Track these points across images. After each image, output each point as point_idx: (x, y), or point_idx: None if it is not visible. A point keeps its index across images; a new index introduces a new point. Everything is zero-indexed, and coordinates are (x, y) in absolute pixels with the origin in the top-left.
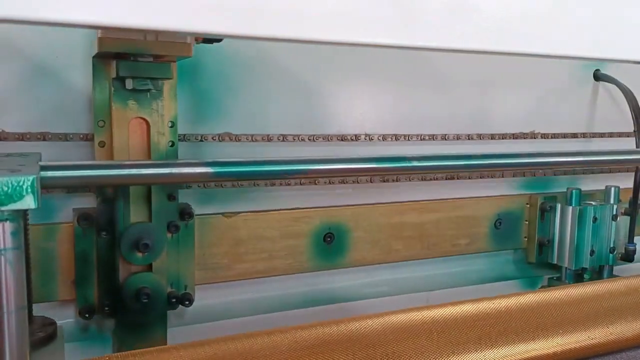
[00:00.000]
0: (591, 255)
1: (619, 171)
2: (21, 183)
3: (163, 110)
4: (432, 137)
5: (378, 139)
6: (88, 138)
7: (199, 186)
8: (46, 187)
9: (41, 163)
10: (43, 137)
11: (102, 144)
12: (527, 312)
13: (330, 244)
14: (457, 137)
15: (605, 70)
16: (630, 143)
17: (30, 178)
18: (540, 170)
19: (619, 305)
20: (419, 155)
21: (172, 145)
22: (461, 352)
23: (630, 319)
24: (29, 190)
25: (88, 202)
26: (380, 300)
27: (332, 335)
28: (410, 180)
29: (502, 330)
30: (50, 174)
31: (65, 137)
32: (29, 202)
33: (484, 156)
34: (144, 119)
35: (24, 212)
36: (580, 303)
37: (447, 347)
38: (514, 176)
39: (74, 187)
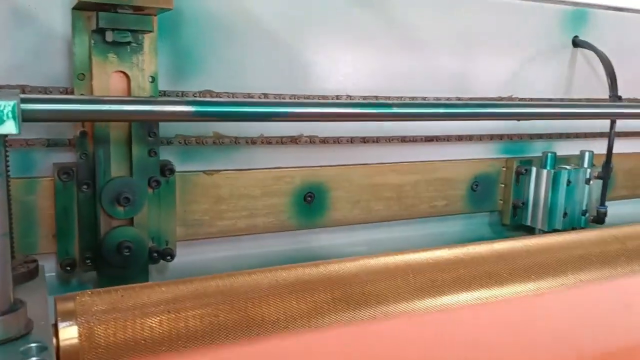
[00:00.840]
0: (564, 217)
1: (594, 137)
2: (2, 108)
3: (143, 65)
4: (413, 99)
5: (359, 99)
6: (68, 92)
7: (179, 142)
8: (27, 119)
9: (22, 95)
10: (22, 89)
11: None
12: (501, 258)
13: (310, 204)
14: (437, 99)
15: (584, 37)
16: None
17: (11, 103)
18: (519, 121)
19: (589, 253)
20: (399, 102)
21: None
22: (436, 293)
23: (599, 266)
24: (10, 115)
25: (68, 157)
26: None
27: (312, 275)
28: (390, 142)
29: (475, 274)
30: (31, 106)
31: (44, 91)
32: (10, 127)
33: (464, 105)
34: (124, 73)
35: (4, 141)
36: (552, 251)
37: (422, 287)
38: (491, 140)
39: (54, 121)
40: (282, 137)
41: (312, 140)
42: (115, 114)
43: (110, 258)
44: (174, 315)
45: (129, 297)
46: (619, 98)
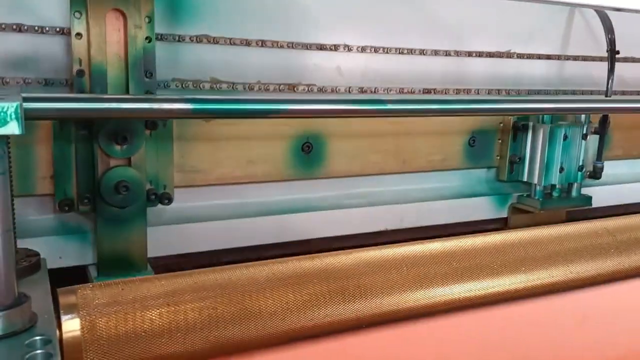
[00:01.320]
0: (560, 172)
1: (591, 93)
2: (5, 109)
3: (140, 4)
4: (411, 52)
5: (357, 49)
6: (65, 32)
7: (176, 86)
8: (30, 117)
9: (24, 95)
10: (19, 27)
11: (78, 36)
12: (492, 251)
13: (308, 154)
14: (435, 53)
15: None
16: (602, 67)
17: (14, 105)
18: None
19: (579, 247)
20: (394, 98)
21: (149, 41)
22: (429, 286)
23: (588, 258)
24: (13, 116)
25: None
26: (357, 211)
27: (308, 268)
28: (387, 94)
29: (467, 267)
30: (33, 105)
31: (41, 30)
32: (13, 128)
33: (458, 101)
34: (120, 12)
35: (6, 141)
36: (543, 244)
37: (415, 280)
38: (488, 93)
39: (55, 119)
40: (279, 84)
41: (309, 89)
42: (115, 112)
43: (108, 198)
44: (173, 308)
45: (129, 290)
46: (617, 52)
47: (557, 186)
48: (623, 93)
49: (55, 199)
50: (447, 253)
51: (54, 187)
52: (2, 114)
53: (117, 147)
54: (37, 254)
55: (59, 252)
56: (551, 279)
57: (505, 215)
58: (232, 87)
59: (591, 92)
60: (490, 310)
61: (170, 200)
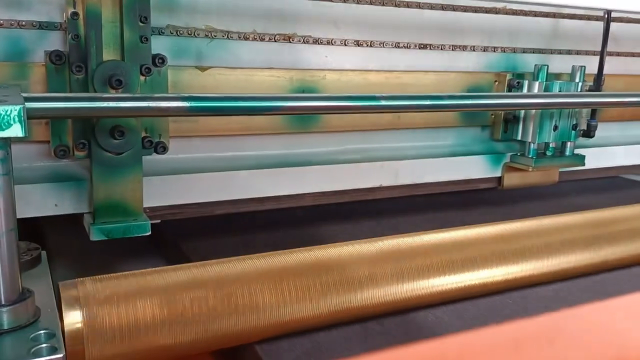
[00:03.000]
0: (554, 130)
1: (587, 54)
2: (9, 112)
3: None
4: (407, 5)
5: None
6: None
7: (171, 32)
8: (31, 117)
9: (24, 95)
10: None
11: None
12: (484, 242)
13: None
14: (431, 7)
15: None
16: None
17: (17, 108)
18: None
19: (573, 238)
20: (387, 95)
21: None
22: (420, 277)
23: (583, 248)
24: (16, 119)
25: (60, 41)
26: (355, 166)
27: (302, 261)
28: (382, 47)
29: (459, 258)
30: (34, 105)
31: None
32: (16, 130)
33: (451, 97)
34: None
35: (9, 143)
36: (537, 234)
37: (407, 272)
38: (484, 51)
39: (56, 118)
40: (275, 35)
41: (305, 40)
42: (113, 111)
43: (103, 143)
44: (172, 300)
45: (129, 283)
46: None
47: (551, 144)
48: (618, 55)
49: (51, 145)
50: (439, 244)
51: (49, 133)
52: (5, 117)
53: (113, 91)
54: (37, 248)
55: (54, 200)
56: (542, 269)
57: (500, 174)
58: (227, 36)
59: (586, 52)
60: (482, 300)
61: (165, 149)
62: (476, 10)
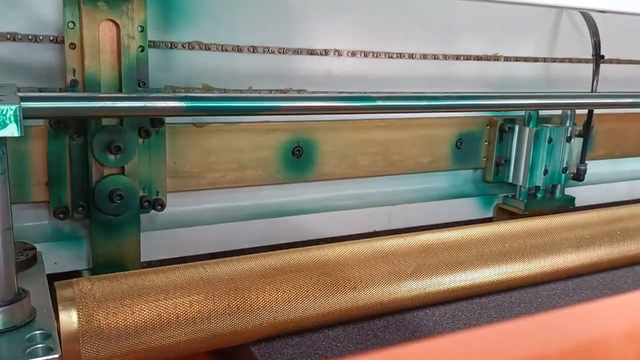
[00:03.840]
0: (545, 174)
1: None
2: (4, 112)
3: (133, 14)
4: (400, 55)
5: (347, 54)
6: (58, 40)
7: (169, 92)
8: (27, 117)
9: (20, 94)
10: (13, 37)
11: (72, 46)
12: (482, 242)
13: (299, 158)
14: (424, 57)
15: None
16: (587, 68)
17: (13, 107)
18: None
19: (559, 239)
20: (383, 95)
21: (142, 50)
22: (418, 277)
23: (572, 251)
24: (12, 119)
25: None
26: (348, 213)
27: (298, 261)
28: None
29: (457, 258)
30: (30, 104)
31: (35, 39)
32: (12, 130)
33: (445, 97)
34: (113, 22)
35: (5, 142)
36: (533, 235)
37: (405, 272)
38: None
39: (52, 117)
40: (271, 90)
41: (300, 93)
42: (109, 110)
43: (102, 206)
44: (168, 300)
45: (125, 283)
46: (602, 57)
47: (541, 187)
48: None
49: (51, 206)
50: (437, 245)
51: (48, 194)
52: (1, 117)
53: (111, 157)
54: (33, 248)
55: (54, 258)
56: (541, 268)
57: (491, 216)
58: (224, 91)
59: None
60: (481, 300)
61: (163, 206)
62: (467, 57)
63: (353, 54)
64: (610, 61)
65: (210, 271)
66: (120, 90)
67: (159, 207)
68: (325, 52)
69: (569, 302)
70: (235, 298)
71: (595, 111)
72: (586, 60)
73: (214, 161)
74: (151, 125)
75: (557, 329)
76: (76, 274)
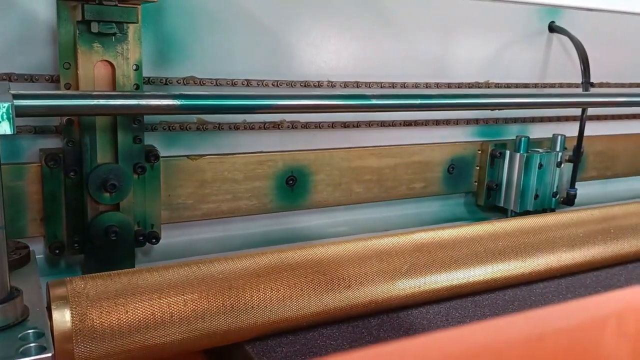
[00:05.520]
0: (535, 199)
1: (567, 120)
2: None
3: (128, 54)
4: (392, 85)
5: (340, 85)
6: (54, 80)
7: (164, 129)
8: (20, 115)
9: (12, 92)
10: (9, 77)
11: (67, 86)
12: (475, 241)
13: (292, 187)
14: (416, 85)
15: (559, 22)
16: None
17: (5, 105)
18: (493, 111)
19: (553, 237)
20: (378, 93)
21: (137, 88)
22: (413, 276)
23: (566, 249)
24: (5, 116)
25: (55, 143)
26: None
27: (293, 260)
28: (370, 127)
29: (451, 256)
30: (23, 102)
31: (30, 79)
32: (5, 128)
33: (440, 96)
34: (109, 62)
35: None
36: (524, 234)
37: (400, 270)
38: (467, 124)
39: (44, 115)
40: (264, 123)
41: (294, 126)
42: (103, 108)
43: (97, 242)
44: (162, 299)
45: (119, 282)
46: (591, 84)
47: (532, 212)
48: (598, 118)
49: (46, 243)
50: (431, 243)
51: (44, 229)
52: None
53: (107, 195)
54: (26, 246)
55: None
56: (535, 266)
57: None
58: (219, 128)
59: (566, 119)
60: (475, 298)
61: (157, 239)
62: (459, 85)
63: (346, 84)
64: (601, 84)
65: (204, 270)
66: (115, 129)
67: (154, 240)
68: (319, 84)
69: (562, 300)
70: (230, 297)
71: (586, 133)
72: (577, 85)
73: (208, 192)
74: (146, 160)
75: (550, 325)
76: None
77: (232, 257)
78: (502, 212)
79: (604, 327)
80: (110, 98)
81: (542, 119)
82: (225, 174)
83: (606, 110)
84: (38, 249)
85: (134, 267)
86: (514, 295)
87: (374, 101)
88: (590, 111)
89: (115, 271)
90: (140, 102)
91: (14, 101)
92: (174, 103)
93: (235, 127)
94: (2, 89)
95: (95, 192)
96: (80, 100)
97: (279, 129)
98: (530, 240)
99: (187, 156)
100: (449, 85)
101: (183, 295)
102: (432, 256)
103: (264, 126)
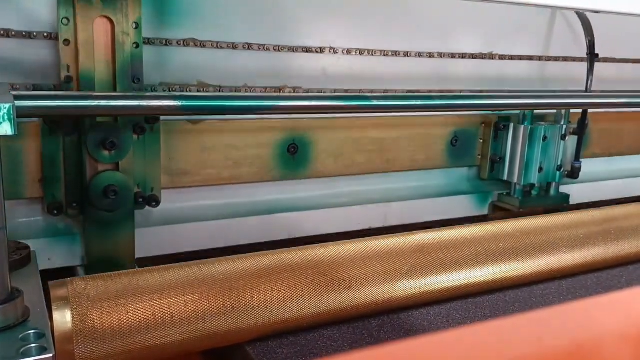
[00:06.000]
0: (539, 172)
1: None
2: None
3: (127, 10)
4: (395, 53)
5: (342, 52)
6: (52, 37)
7: (163, 90)
8: (21, 116)
9: (13, 93)
10: (7, 33)
11: (66, 42)
12: (475, 241)
13: (294, 155)
14: (419, 55)
15: None
16: (581, 67)
17: (7, 106)
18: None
19: (554, 239)
20: (378, 95)
21: (136, 47)
22: (412, 277)
23: (567, 250)
24: (6, 117)
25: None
26: (344, 210)
27: (294, 261)
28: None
29: (451, 257)
30: (24, 103)
31: (29, 35)
32: (6, 129)
33: (441, 97)
34: (108, 18)
35: None
36: (525, 235)
37: (400, 271)
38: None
39: (46, 116)
40: (265, 88)
41: (295, 92)
42: (104, 109)
43: (96, 202)
44: (162, 300)
45: (119, 283)
46: (596, 55)
47: (536, 185)
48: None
49: (45, 203)
50: (432, 244)
51: (42, 190)
52: None
53: (106, 153)
54: (27, 247)
55: (47, 254)
56: (536, 267)
57: (486, 213)
58: (219, 91)
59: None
60: (475, 299)
61: (157, 202)
62: (463, 56)
63: (348, 51)
64: (605, 60)
65: (205, 271)
66: (114, 87)
67: (154, 204)
68: (321, 50)
69: (563, 301)
70: (230, 298)
71: (590, 110)
72: (581, 60)
73: (209, 158)
74: (145, 122)
75: (551, 326)
76: (70, 270)
77: (233, 258)
78: (506, 185)
79: (605, 329)
80: (111, 99)
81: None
82: (226, 140)
83: (612, 85)
84: (36, 210)
85: (134, 230)
86: (515, 297)
87: (375, 102)
88: (595, 85)
89: (116, 272)
90: (141, 103)
91: (15, 102)
92: (175, 104)
93: (236, 90)
94: (3, 89)
95: (95, 150)
96: (81, 102)
97: (281, 93)
98: (531, 241)
99: (188, 120)
100: (453, 56)
101: (184, 296)
102: (432, 257)
103: (265, 91)
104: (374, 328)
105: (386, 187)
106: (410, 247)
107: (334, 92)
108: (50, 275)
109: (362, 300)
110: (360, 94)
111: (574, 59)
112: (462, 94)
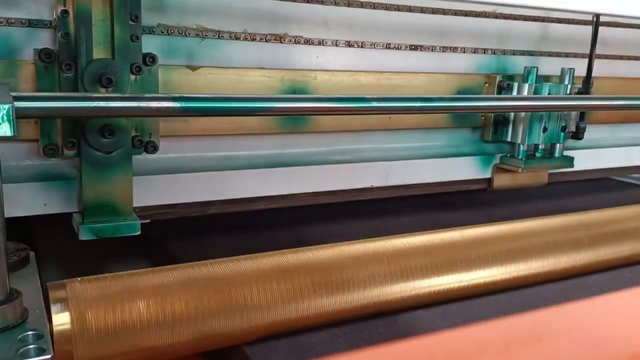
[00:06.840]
0: (544, 132)
1: (575, 56)
2: None
3: None
4: (398, 8)
5: (344, 4)
6: None
7: (161, 31)
8: (20, 116)
9: (13, 94)
10: None
11: None
12: (472, 244)
13: None
14: (422, 10)
15: None
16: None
17: (6, 107)
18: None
19: (555, 240)
20: (378, 96)
21: None
22: (410, 278)
23: (568, 251)
24: (5, 118)
25: (49, 38)
26: (345, 167)
27: (293, 261)
28: (374, 47)
29: (448, 260)
30: (23, 104)
31: None
32: (5, 130)
33: (440, 99)
34: None
35: None
36: (521, 237)
37: (398, 273)
38: (474, 52)
39: (45, 117)
40: (266, 35)
41: (296, 40)
42: (103, 110)
43: (93, 142)
44: (161, 300)
45: (118, 283)
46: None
47: (540, 146)
48: (606, 57)
49: (40, 144)
50: (429, 246)
51: (38, 132)
52: None
53: (102, 90)
54: (25, 248)
55: (43, 199)
56: (529, 270)
57: (489, 176)
58: (218, 36)
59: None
60: (472, 301)
61: (155, 148)
62: (466, 14)
63: (350, 3)
64: (609, 24)
65: (203, 272)
66: (112, 23)
67: (152, 149)
68: (322, 1)
69: (563, 302)
70: (229, 298)
71: (594, 74)
72: (585, 22)
73: None
74: (143, 62)
75: (551, 326)
76: (66, 215)
77: (232, 259)
78: (510, 147)
79: (605, 329)
80: (110, 100)
81: (549, 54)
82: (226, 88)
83: (616, 50)
84: (32, 152)
85: (132, 175)
86: (515, 297)
87: (374, 104)
88: (599, 49)
89: (115, 273)
90: (140, 105)
91: (15, 103)
92: (175, 105)
93: (236, 36)
94: (3, 90)
95: (91, 87)
96: (80, 102)
97: (281, 42)
98: (532, 242)
99: (186, 65)
100: (456, 13)
101: (182, 296)
102: (432, 258)
103: (266, 38)
104: (373, 329)
105: (388, 146)
106: (410, 248)
107: (334, 95)
108: (45, 221)
109: (361, 301)
110: (359, 96)
111: (578, 22)
112: (460, 97)
